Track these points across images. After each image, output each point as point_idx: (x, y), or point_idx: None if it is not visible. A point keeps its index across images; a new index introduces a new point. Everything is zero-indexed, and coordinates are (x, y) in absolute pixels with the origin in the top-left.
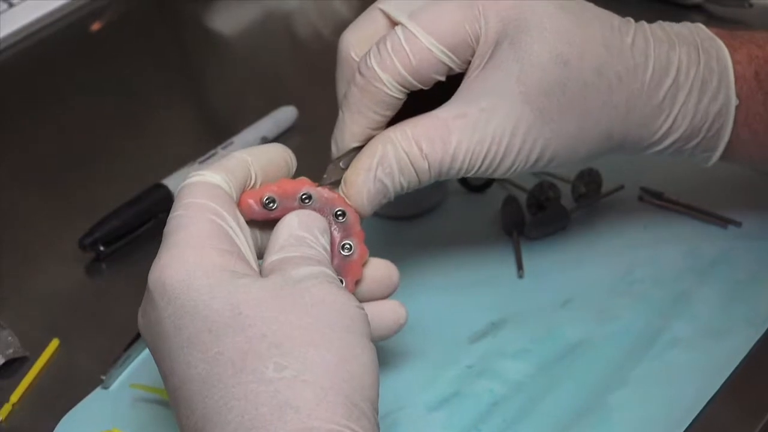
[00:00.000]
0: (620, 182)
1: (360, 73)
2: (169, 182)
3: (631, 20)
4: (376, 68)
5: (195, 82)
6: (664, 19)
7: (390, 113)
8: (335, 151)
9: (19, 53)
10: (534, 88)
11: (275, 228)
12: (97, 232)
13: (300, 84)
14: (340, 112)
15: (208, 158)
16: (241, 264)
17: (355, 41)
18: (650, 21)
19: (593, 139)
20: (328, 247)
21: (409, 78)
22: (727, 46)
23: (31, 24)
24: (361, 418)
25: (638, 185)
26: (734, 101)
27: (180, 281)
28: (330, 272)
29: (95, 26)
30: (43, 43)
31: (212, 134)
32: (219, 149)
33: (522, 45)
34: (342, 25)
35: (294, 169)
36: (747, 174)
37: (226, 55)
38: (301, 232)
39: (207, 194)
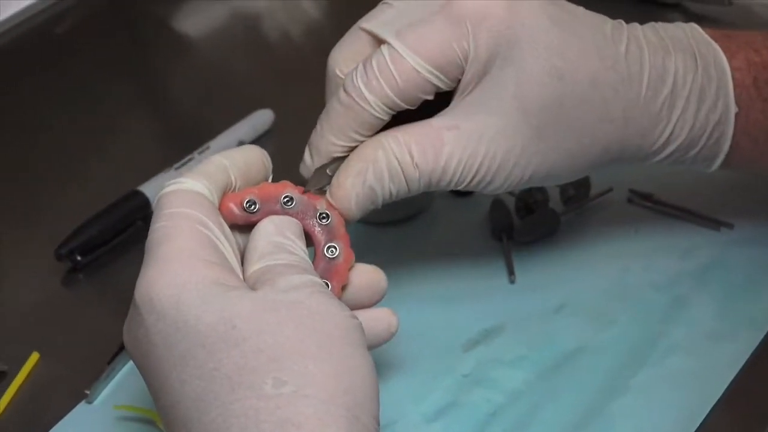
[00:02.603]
0: (609, 184)
1: (345, 90)
2: (146, 189)
3: (623, 24)
4: (362, 88)
5: (166, 86)
6: (643, 18)
7: (371, 133)
8: (309, 161)
9: None
10: (530, 103)
11: (251, 234)
12: (73, 242)
13: (272, 86)
14: (319, 124)
15: (185, 163)
16: (230, 275)
17: (341, 59)
18: (630, 20)
19: (590, 153)
20: (306, 252)
21: (396, 99)
22: (724, 50)
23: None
24: (364, 431)
25: (627, 187)
26: (734, 109)
27: (169, 296)
28: (318, 280)
29: (60, 29)
30: (7, 48)
31: (187, 139)
32: (195, 154)
33: (516, 61)
34: (311, 26)
35: (271, 171)
36: (736, 175)
37: (195, 58)
38: (279, 238)
39: (189, 203)
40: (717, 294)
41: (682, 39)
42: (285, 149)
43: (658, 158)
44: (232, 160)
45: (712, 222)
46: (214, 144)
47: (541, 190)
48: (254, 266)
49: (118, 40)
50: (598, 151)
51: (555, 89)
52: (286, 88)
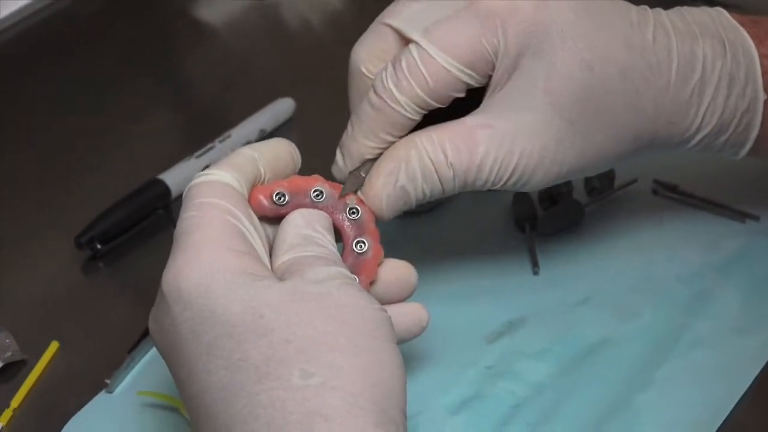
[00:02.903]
0: (633, 175)
1: (375, 92)
2: (167, 177)
3: (648, 9)
4: (393, 90)
5: (187, 74)
6: (669, 5)
7: (404, 133)
8: (342, 163)
9: (4, 45)
10: (562, 97)
11: (280, 227)
12: (93, 230)
13: (292, 75)
14: (350, 126)
15: (206, 152)
16: (258, 265)
17: (366, 56)
18: (656, 7)
19: (622, 143)
20: (335, 246)
21: (427, 99)
22: (752, 36)
23: (19, 11)
24: (390, 424)
25: (651, 178)
26: (762, 96)
27: (197, 285)
28: (347, 272)
29: (81, 17)
30: (30, 35)
31: (208, 128)
32: (216, 143)
33: (546, 55)
34: (331, 15)
35: (299, 164)
36: (763, 166)
37: (216, 46)
38: (308, 230)
39: (219, 193)
40: (742, 287)
41: (709, 24)
42: (306, 138)
43: (688, 146)
44: (260, 153)
45: (737, 213)
46: (235, 133)
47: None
48: (283, 257)
49: (139, 29)
50: (630, 140)
51: (585, 81)
52: (306, 77)
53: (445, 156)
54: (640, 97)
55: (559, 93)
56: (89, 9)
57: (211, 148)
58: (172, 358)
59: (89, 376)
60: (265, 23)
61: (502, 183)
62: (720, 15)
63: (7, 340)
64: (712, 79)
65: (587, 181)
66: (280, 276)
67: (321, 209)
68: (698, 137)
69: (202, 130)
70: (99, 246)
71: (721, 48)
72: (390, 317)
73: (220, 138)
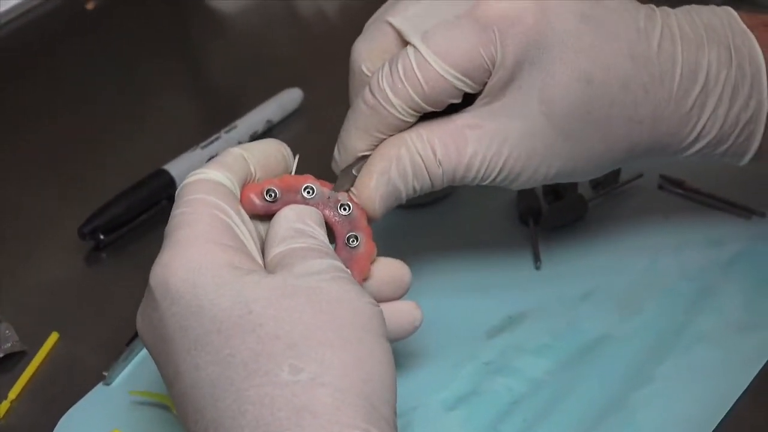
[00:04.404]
0: (639, 170)
1: (371, 92)
2: (171, 168)
3: (656, 12)
4: (387, 91)
5: (196, 63)
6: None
7: (396, 133)
8: (339, 159)
9: (11, 34)
10: (557, 107)
11: (272, 222)
12: (96, 220)
13: (304, 65)
14: (346, 122)
15: (211, 143)
16: (247, 259)
17: (366, 54)
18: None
19: (617, 153)
20: (327, 241)
21: (421, 103)
22: (761, 42)
23: (24, 2)
24: (381, 420)
25: (658, 173)
26: (766, 107)
27: (184, 280)
28: (339, 264)
29: (90, 5)
30: (37, 24)
31: (215, 118)
32: (222, 133)
33: (544, 67)
34: (346, 5)
35: (291, 163)
36: None
37: (228, 35)
38: (299, 224)
39: (208, 190)
40: (745, 284)
41: (718, 28)
42: (314, 128)
43: (685, 155)
44: (250, 152)
45: (743, 210)
46: (241, 123)
47: None
48: (275, 250)
49: (151, 17)
50: (625, 150)
51: (583, 93)
52: (317, 67)
53: (434, 153)
54: (638, 109)
55: (555, 104)
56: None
57: (217, 139)
58: (160, 355)
59: (89, 367)
60: (280, 13)
61: (489, 180)
62: (729, 17)
63: (7, 331)
64: (715, 90)
65: None
66: (272, 269)
67: (312, 206)
68: (696, 147)
69: (209, 120)
70: (102, 237)
71: (727, 56)
72: (381, 311)
73: (226, 129)
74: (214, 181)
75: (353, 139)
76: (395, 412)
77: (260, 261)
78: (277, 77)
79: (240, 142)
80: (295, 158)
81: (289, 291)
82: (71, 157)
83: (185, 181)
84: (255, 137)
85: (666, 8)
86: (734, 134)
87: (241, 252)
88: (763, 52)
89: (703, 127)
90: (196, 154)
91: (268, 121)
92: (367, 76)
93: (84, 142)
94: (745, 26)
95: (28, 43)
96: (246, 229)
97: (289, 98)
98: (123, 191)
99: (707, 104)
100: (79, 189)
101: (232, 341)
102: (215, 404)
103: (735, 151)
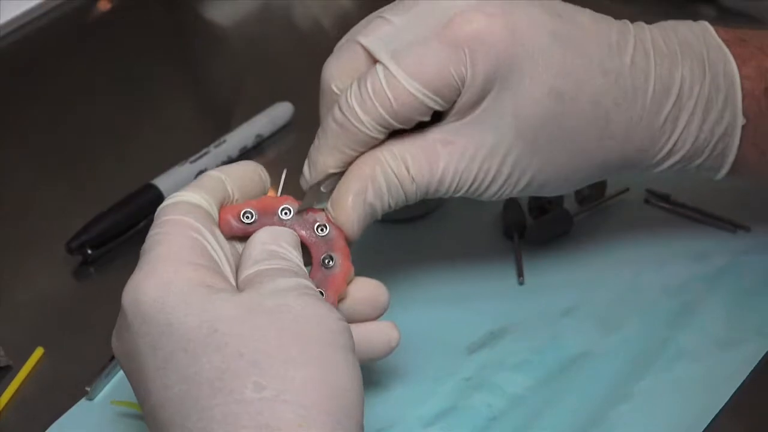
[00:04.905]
0: (625, 185)
1: (340, 109)
2: (160, 182)
3: (630, 28)
4: (356, 109)
5: (188, 77)
6: (674, 9)
7: (366, 149)
8: (308, 176)
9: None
10: (527, 122)
11: (247, 243)
12: (85, 235)
13: (299, 79)
14: (316, 140)
15: (200, 157)
16: (218, 278)
17: (337, 73)
18: (662, 12)
19: (588, 168)
20: (302, 261)
21: (390, 120)
22: (735, 56)
23: (22, 15)
24: None
25: (644, 187)
26: (741, 120)
27: (154, 299)
28: (307, 283)
29: (88, 18)
30: (32, 37)
31: (205, 132)
32: (212, 148)
33: (513, 85)
34: (344, 17)
35: (268, 185)
36: None
37: (223, 47)
38: (273, 246)
39: (184, 211)
40: (728, 299)
41: (693, 43)
42: (303, 143)
43: (659, 169)
44: (228, 174)
45: (728, 224)
46: (230, 138)
47: None
48: (246, 272)
49: (146, 30)
50: (597, 165)
51: (553, 109)
52: (309, 82)
53: (408, 170)
54: (610, 124)
55: (525, 119)
56: (92, 11)
57: (206, 153)
58: (132, 373)
59: (73, 382)
60: (278, 26)
61: (461, 192)
62: (705, 32)
63: None
64: (688, 104)
65: (578, 189)
66: (242, 289)
67: (289, 227)
68: (670, 162)
69: (198, 134)
70: (90, 251)
71: (701, 71)
72: (348, 326)
73: (216, 143)
74: (190, 203)
75: (324, 156)
76: (362, 428)
77: (233, 281)
78: (270, 91)
79: (229, 156)
80: (282, 173)
81: (254, 309)
82: (59, 171)
83: (163, 204)
84: (245, 152)
85: (641, 23)
86: (708, 148)
87: (213, 271)
88: (738, 66)
89: (676, 142)
90: (185, 168)
91: (258, 136)
92: (337, 94)
93: (72, 157)
94: (720, 40)
95: (16, 59)
96: (221, 250)
97: (280, 112)
98: (111, 206)
99: (680, 119)
100: (67, 203)
101: (198, 360)
102: (183, 423)
103: (710, 165)
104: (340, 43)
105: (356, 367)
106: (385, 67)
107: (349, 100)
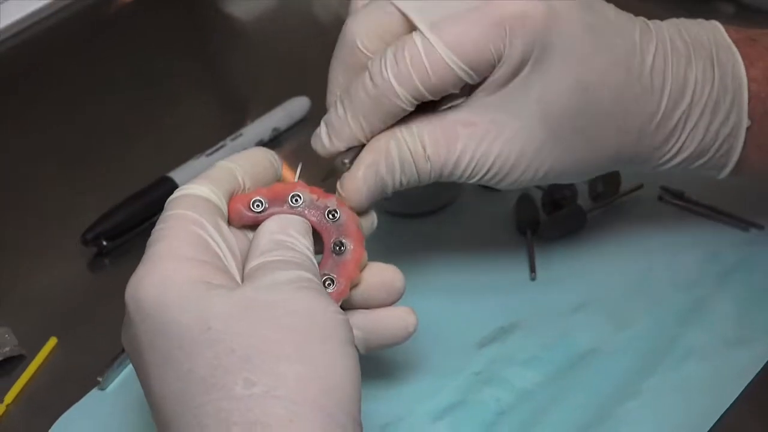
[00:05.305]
0: (639, 181)
1: (372, 80)
2: (176, 175)
3: (651, 27)
4: (392, 81)
5: (206, 70)
6: (693, 5)
7: (395, 121)
8: (327, 143)
9: (22, 43)
10: (552, 110)
11: (255, 233)
12: (100, 227)
13: (316, 74)
14: (340, 107)
15: (216, 150)
16: (219, 274)
17: (364, 31)
18: (678, 9)
19: (602, 159)
20: (311, 249)
21: (424, 92)
22: (744, 57)
23: (39, 11)
24: (338, 430)
25: (658, 184)
26: (746, 122)
27: (153, 296)
28: (308, 275)
29: (108, 12)
30: (49, 32)
31: (222, 125)
32: (228, 141)
33: (546, 69)
34: None
35: (281, 171)
36: None
37: (242, 42)
38: (281, 236)
39: (188, 205)
40: (739, 297)
41: (704, 43)
42: None
43: (664, 167)
44: (238, 163)
45: (741, 222)
46: (247, 131)
47: (570, 186)
48: (253, 263)
49: (164, 24)
50: (610, 156)
51: (579, 100)
52: (326, 76)
53: (424, 149)
54: (628, 120)
55: (550, 106)
56: (109, 5)
57: (222, 147)
58: (137, 368)
59: (86, 372)
60: (297, 20)
61: (477, 178)
62: (715, 32)
63: (7, 336)
64: (698, 105)
65: (592, 185)
66: (245, 282)
67: (299, 214)
68: (676, 160)
69: (215, 128)
70: (105, 243)
71: (711, 71)
72: (346, 320)
73: (232, 136)
74: (195, 196)
75: (351, 127)
76: (358, 423)
77: (237, 274)
78: (288, 85)
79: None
80: (298, 167)
81: (248, 305)
82: (77, 163)
83: (170, 197)
84: (261, 145)
85: (657, 21)
86: (714, 148)
87: (214, 267)
88: (746, 66)
89: (684, 141)
90: (201, 161)
91: (275, 129)
92: (362, 52)
93: (89, 148)
94: (730, 41)
95: (36, 53)
96: (224, 244)
97: (297, 107)
98: (127, 198)
99: (690, 119)
100: (83, 195)
101: (192, 357)
102: (179, 418)
103: (714, 165)
104: (365, 2)
105: (353, 360)
106: (424, 37)
107: (384, 72)
